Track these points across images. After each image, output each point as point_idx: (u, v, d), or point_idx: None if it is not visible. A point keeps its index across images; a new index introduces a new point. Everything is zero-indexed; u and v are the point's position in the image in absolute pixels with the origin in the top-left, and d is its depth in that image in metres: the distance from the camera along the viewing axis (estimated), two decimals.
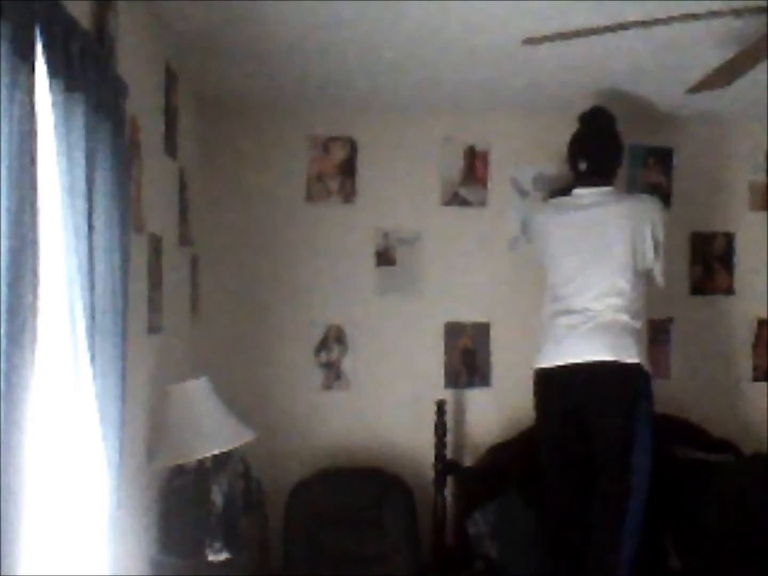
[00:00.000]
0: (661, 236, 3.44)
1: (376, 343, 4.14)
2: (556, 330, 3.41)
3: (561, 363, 3.36)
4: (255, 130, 4.10)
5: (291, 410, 4.06)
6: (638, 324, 3.39)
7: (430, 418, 3.91)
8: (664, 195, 4.27)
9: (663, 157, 4.30)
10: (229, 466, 3.16)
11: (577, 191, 3.53)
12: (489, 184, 4.22)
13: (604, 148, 3.57)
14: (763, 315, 4.34)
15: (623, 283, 3.36)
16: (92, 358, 1.84)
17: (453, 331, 4.19)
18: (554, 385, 3.41)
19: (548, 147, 4.21)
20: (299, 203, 4.12)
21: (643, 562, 3.35)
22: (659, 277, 3.49)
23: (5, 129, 1.37)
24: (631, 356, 3.30)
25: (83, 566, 1.91)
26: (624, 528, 3.25)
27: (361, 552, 3.77)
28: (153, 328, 2.90)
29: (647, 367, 3.40)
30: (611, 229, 3.41)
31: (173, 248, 3.30)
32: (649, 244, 3.41)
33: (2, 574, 1.35)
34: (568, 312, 3.39)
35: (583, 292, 3.38)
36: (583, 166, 3.50)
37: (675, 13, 2.48)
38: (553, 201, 3.68)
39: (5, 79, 1.38)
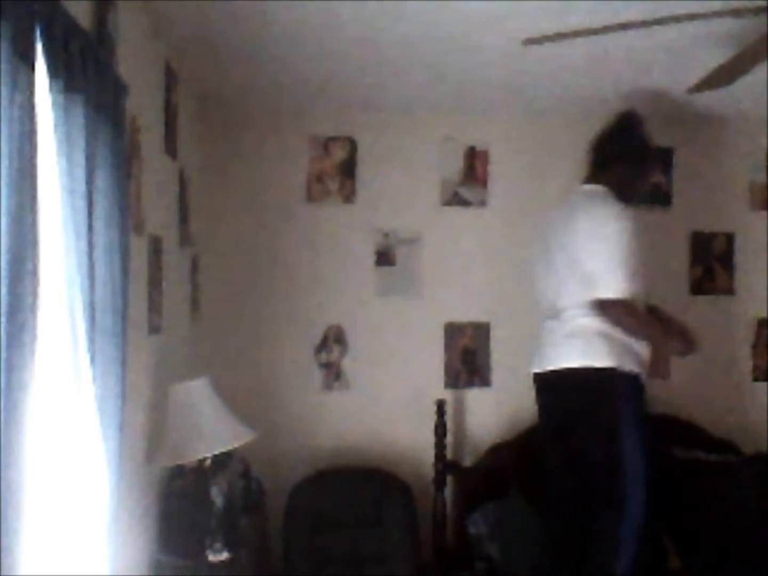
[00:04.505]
0: None
1: (376, 343, 4.14)
2: (541, 334, 3.36)
3: (540, 369, 3.31)
4: (255, 130, 4.10)
5: (291, 410, 4.06)
6: (611, 329, 3.19)
7: (430, 418, 3.91)
8: (664, 195, 4.28)
9: (663, 157, 4.30)
10: (229, 466, 3.16)
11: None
12: (489, 184, 4.22)
13: None
14: (763, 315, 4.34)
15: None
16: (92, 359, 1.84)
17: (453, 331, 4.19)
18: (540, 391, 3.38)
19: (548, 147, 4.22)
20: (299, 203, 4.13)
21: (644, 562, 3.35)
22: None
23: (5, 129, 1.37)
24: (602, 360, 3.14)
25: (83, 566, 1.91)
26: (621, 536, 3.14)
27: (361, 552, 3.76)
28: (153, 328, 2.90)
29: (630, 367, 3.18)
30: None
31: (173, 248, 3.30)
32: None
33: (2, 574, 1.35)
34: (551, 316, 3.32)
35: (561, 295, 3.29)
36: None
37: (675, 13, 2.48)
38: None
39: (5, 79, 1.37)
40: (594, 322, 3.16)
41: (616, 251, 3.13)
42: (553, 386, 3.29)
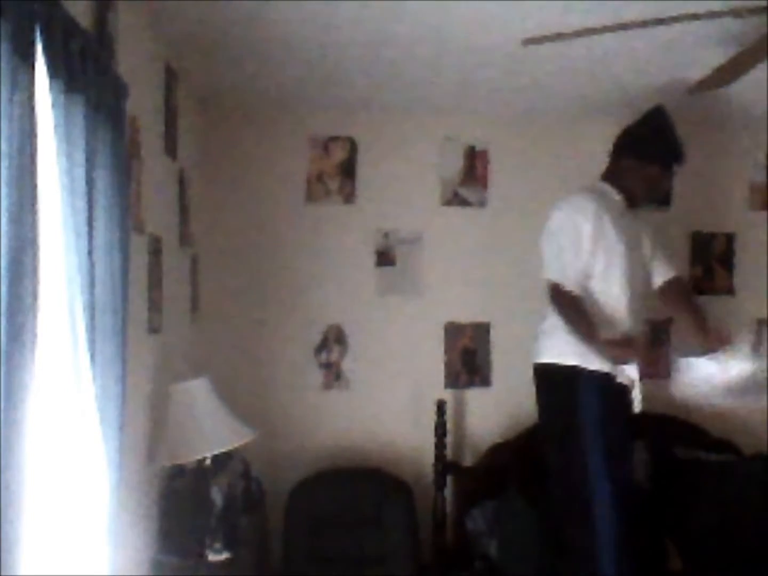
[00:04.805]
0: None
1: (376, 343, 4.14)
2: None
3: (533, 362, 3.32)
4: (255, 130, 4.10)
5: (291, 410, 4.06)
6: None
7: (430, 418, 3.91)
8: (664, 195, 4.27)
9: None
10: (229, 466, 3.16)
11: None
12: (489, 184, 4.22)
13: None
14: (763, 315, 4.34)
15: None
16: (92, 358, 1.84)
17: (453, 331, 4.19)
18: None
19: (548, 147, 4.22)
20: (299, 203, 4.13)
21: (644, 563, 3.34)
22: None
23: (5, 129, 1.37)
24: (566, 357, 3.12)
25: (83, 566, 1.91)
26: (597, 535, 3.05)
27: (361, 552, 3.76)
28: (153, 328, 2.90)
29: (596, 366, 3.09)
30: None
31: (173, 248, 3.30)
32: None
33: (2, 574, 1.35)
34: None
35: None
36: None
37: (675, 13, 2.48)
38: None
39: (5, 79, 1.38)
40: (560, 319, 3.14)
41: (553, 241, 3.18)
42: (535, 381, 3.31)
